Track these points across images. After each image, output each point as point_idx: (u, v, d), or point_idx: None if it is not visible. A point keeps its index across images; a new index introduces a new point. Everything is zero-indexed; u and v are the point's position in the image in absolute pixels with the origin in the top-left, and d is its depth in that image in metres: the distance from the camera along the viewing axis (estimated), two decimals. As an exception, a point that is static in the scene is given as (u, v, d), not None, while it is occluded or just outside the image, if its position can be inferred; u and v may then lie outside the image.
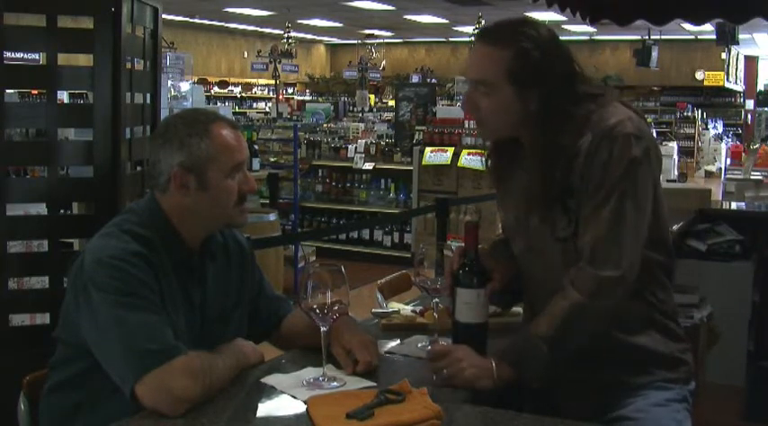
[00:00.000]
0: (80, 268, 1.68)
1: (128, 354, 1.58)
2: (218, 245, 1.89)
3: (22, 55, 4.83)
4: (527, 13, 13.13)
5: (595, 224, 1.72)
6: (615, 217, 1.71)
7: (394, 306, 2.38)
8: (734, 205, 5.14)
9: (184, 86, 7.38)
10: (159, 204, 1.79)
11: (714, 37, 10.86)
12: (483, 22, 12.96)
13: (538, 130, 1.78)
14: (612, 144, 1.71)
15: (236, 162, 1.78)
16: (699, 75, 18.11)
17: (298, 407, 1.58)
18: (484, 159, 2.03)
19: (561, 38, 1.85)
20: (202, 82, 16.52)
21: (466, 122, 7.71)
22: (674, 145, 7.90)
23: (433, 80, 15.95)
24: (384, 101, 19.07)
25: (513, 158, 1.92)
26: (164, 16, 3.17)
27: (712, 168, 7.77)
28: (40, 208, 2.95)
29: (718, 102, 18.19)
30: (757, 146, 7.99)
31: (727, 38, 10.21)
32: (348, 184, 8.77)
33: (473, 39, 1.78)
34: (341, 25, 17.72)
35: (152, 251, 1.70)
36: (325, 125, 10.70)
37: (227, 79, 19.40)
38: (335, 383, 1.68)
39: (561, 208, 1.78)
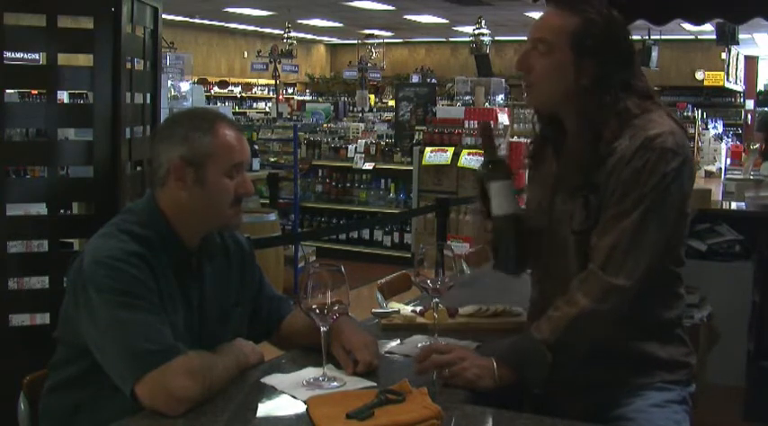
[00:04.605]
0: (79, 269, 1.68)
1: (127, 354, 1.58)
2: (216, 245, 1.89)
3: (22, 55, 4.83)
4: (527, 14, 13.14)
5: (616, 231, 1.72)
6: (637, 228, 1.71)
7: (394, 306, 2.38)
8: (734, 205, 5.14)
9: (184, 86, 7.38)
10: (157, 203, 1.79)
11: (714, 37, 10.85)
12: (483, 22, 12.96)
13: (590, 112, 1.78)
14: (650, 155, 1.71)
15: (236, 162, 1.78)
16: (699, 75, 18.10)
17: (298, 407, 1.58)
18: (530, 139, 2.04)
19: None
20: (202, 82, 16.50)
21: (466, 122, 7.70)
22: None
23: (433, 80, 15.94)
24: (384, 101, 19.06)
25: (550, 145, 1.93)
26: (164, 16, 3.17)
27: (712, 168, 7.76)
28: (40, 208, 2.95)
29: (718, 102, 18.15)
30: (757, 146, 7.97)
31: (727, 38, 10.20)
32: (348, 184, 8.77)
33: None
34: (341, 25, 17.71)
35: (150, 250, 1.70)
36: (325, 125, 10.69)
37: (227, 79, 19.38)
38: (335, 383, 1.68)
39: (582, 202, 1.79)
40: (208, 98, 15.57)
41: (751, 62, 19.35)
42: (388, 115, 13.28)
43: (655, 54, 12.23)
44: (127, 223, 1.75)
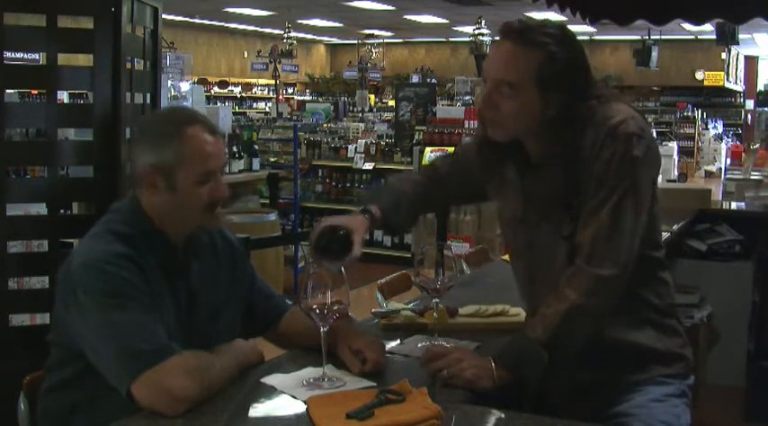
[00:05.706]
0: (67, 271, 1.68)
1: (122, 355, 1.58)
2: (203, 244, 1.88)
3: (22, 55, 4.83)
4: (527, 13, 13.12)
5: (595, 222, 1.72)
6: (615, 216, 1.71)
7: (394, 306, 2.38)
8: (734, 205, 5.14)
9: (184, 86, 7.38)
10: (139, 202, 1.78)
11: (714, 37, 10.85)
12: (483, 22, 12.96)
13: (554, 136, 1.77)
14: (616, 144, 1.71)
15: (208, 169, 1.74)
16: (699, 75, 18.11)
17: (298, 407, 1.58)
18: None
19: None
20: (202, 82, 16.50)
21: (466, 122, 7.69)
22: (674, 145, 7.87)
23: (433, 80, 15.96)
24: (384, 101, 19.08)
25: (505, 156, 1.90)
26: (164, 16, 3.17)
27: (712, 168, 7.75)
28: (40, 208, 2.95)
29: (718, 102, 18.17)
30: (757, 146, 7.97)
31: (727, 38, 10.20)
32: (348, 184, 8.77)
33: (496, 36, 1.74)
34: (341, 25, 17.71)
35: (138, 250, 1.69)
36: (325, 125, 10.69)
37: (227, 79, 19.39)
38: (336, 383, 1.68)
39: (565, 207, 1.79)
40: (208, 98, 15.57)
41: (751, 62, 19.36)
42: (388, 115, 13.28)
43: (655, 54, 12.24)
44: (114, 222, 1.75)
